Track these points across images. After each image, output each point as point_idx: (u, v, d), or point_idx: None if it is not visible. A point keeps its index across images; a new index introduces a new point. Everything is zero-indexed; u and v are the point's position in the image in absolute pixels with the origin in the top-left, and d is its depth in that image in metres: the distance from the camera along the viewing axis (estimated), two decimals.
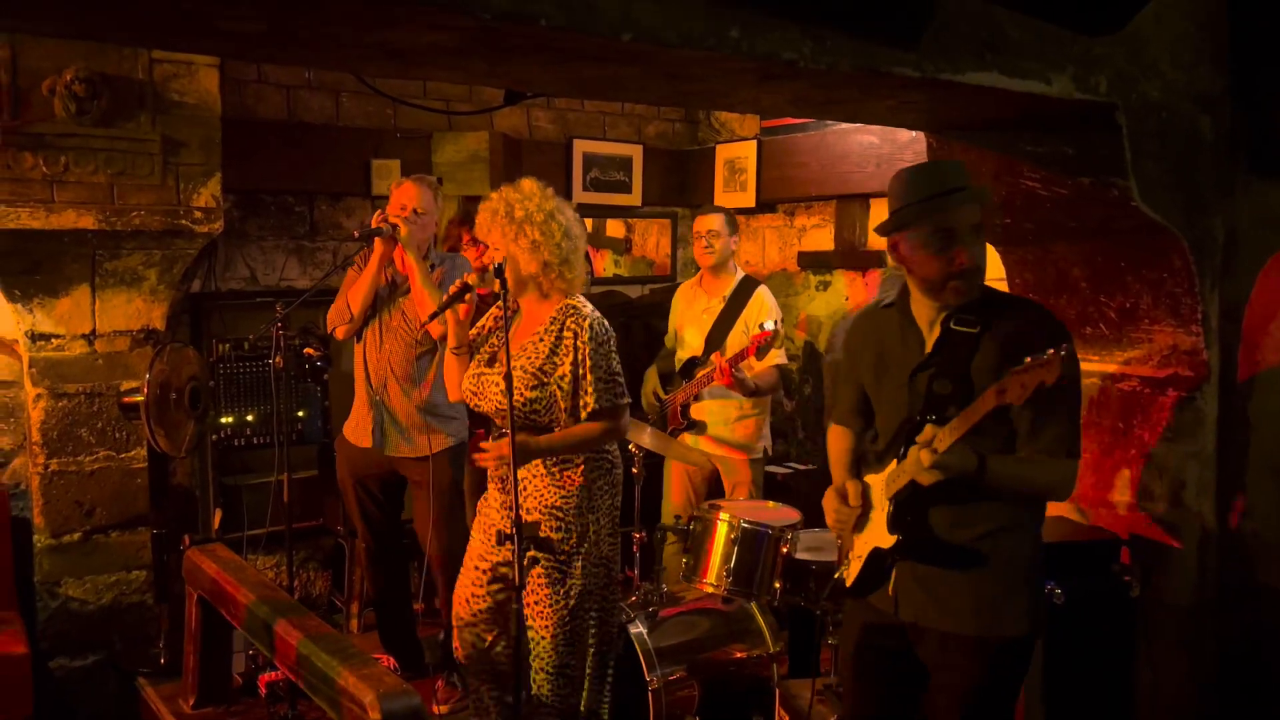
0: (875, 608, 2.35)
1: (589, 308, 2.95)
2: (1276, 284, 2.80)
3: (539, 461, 2.90)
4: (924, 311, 2.29)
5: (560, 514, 2.89)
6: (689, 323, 4.33)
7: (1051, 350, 1.94)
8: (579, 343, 2.84)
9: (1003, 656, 2.22)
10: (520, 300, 3.00)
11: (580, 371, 2.85)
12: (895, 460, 2.24)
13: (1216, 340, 2.89)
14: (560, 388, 2.85)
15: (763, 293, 4.24)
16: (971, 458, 2.12)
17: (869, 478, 2.36)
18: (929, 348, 2.26)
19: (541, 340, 2.89)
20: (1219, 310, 2.88)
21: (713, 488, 4.31)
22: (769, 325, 3.93)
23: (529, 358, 2.89)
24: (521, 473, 2.89)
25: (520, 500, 2.90)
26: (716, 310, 4.24)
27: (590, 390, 2.84)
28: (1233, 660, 2.93)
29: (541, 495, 2.91)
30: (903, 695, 2.37)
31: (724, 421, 4.19)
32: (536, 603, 2.89)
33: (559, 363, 2.85)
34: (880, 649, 2.36)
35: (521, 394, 2.83)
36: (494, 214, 2.87)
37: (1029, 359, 1.96)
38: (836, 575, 2.47)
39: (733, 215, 4.33)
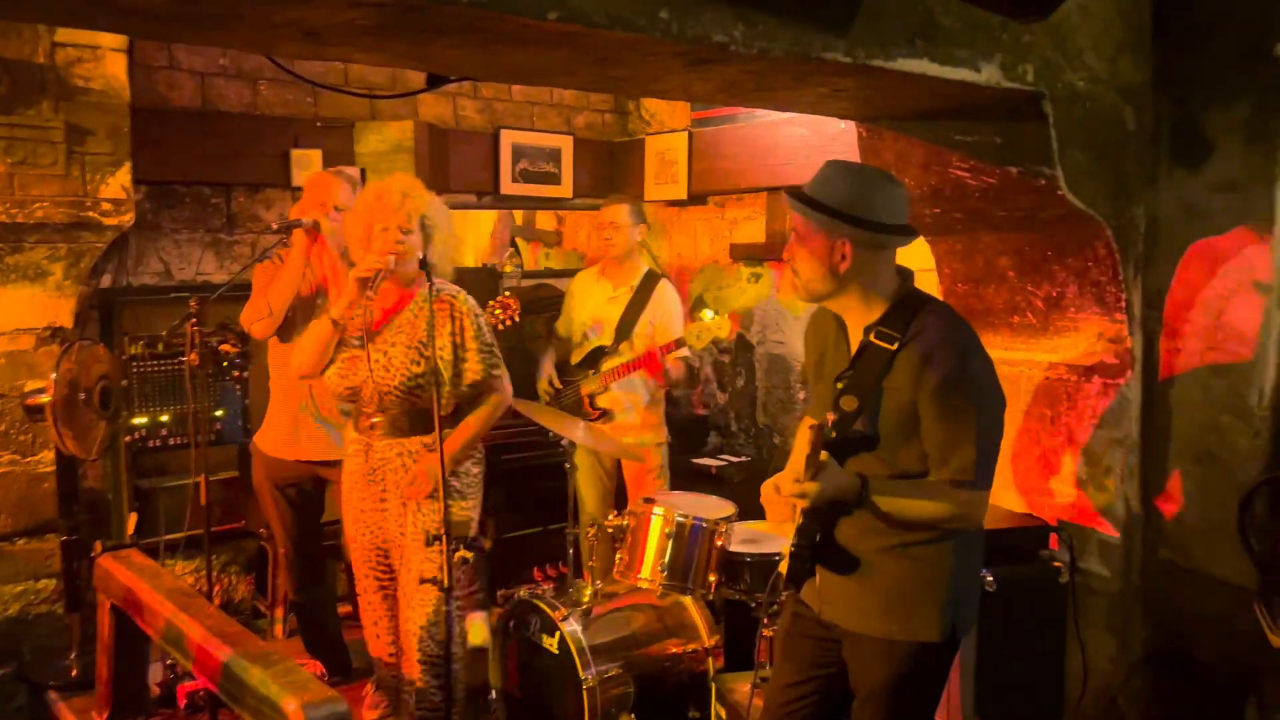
0: (804, 602, 2.38)
1: (452, 284, 3.06)
2: (1196, 272, 2.84)
3: (418, 446, 2.97)
4: (855, 318, 2.24)
5: (451, 499, 2.95)
6: (592, 312, 4.28)
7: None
8: (455, 314, 2.97)
9: (914, 661, 2.21)
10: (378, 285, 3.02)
11: (460, 341, 2.97)
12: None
13: (1140, 328, 2.93)
14: (442, 358, 2.94)
15: (665, 286, 4.24)
16: (852, 482, 2.10)
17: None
18: (851, 356, 2.23)
19: (416, 317, 2.97)
20: (1142, 298, 2.93)
21: (619, 479, 4.30)
22: (684, 350, 3.97)
23: (405, 335, 2.96)
24: (399, 461, 2.97)
25: (397, 490, 2.97)
26: (624, 300, 4.20)
27: (473, 360, 2.97)
28: (1158, 641, 2.98)
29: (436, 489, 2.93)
30: (827, 690, 2.36)
31: (633, 409, 4.17)
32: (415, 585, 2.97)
33: (436, 336, 2.93)
34: (807, 637, 2.39)
35: (406, 370, 2.91)
36: (404, 197, 2.90)
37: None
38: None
39: (639, 206, 4.29)
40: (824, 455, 2.09)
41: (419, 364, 2.91)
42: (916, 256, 3.74)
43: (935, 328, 2.14)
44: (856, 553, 2.21)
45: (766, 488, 2.32)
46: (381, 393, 2.94)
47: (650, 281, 4.23)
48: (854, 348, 2.22)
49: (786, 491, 2.11)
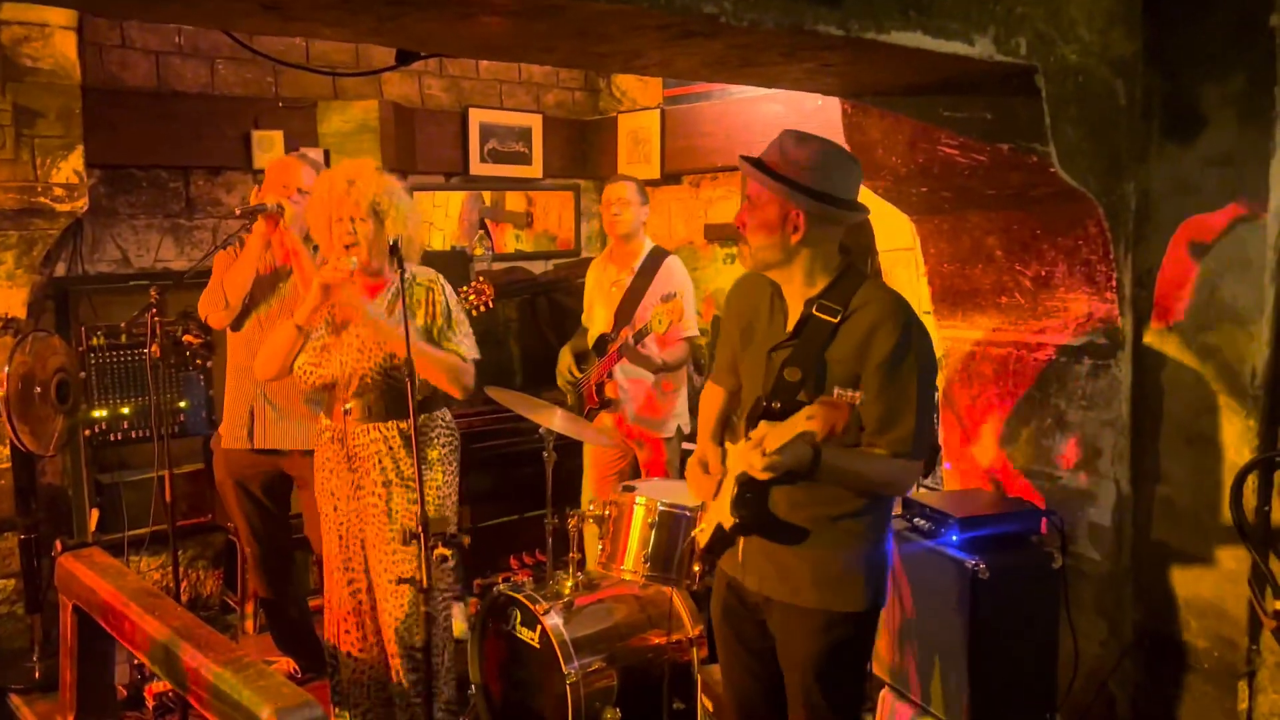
0: (729, 574, 2.40)
1: (425, 268, 2.99)
2: (1188, 250, 2.78)
3: (394, 430, 2.90)
4: (796, 290, 2.25)
5: (426, 483, 2.87)
6: (599, 298, 4.17)
7: (850, 392, 1.96)
8: (436, 297, 2.90)
9: (842, 629, 2.25)
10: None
11: (441, 323, 2.89)
12: (744, 437, 2.22)
13: (1130, 308, 2.87)
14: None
15: (672, 263, 4.12)
16: (806, 453, 2.10)
17: (729, 445, 2.31)
18: (790, 327, 2.25)
19: (390, 303, 2.88)
20: (1132, 278, 2.86)
21: (633, 468, 4.19)
22: (691, 331, 3.90)
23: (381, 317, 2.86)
24: (374, 448, 2.90)
25: (378, 475, 2.89)
26: (625, 283, 4.10)
27: (459, 340, 2.90)
28: (1149, 624, 2.95)
29: (400, 466, 2.90)
30: (770, 663, 2.39)
31: (637, 400, 4.05)
32: (389, 574, 2.90)
33: (415, 319, 2.85)
34: (738, 614, 2.41)
35: (382, 351, 2.83)
36: (349, 184, 2.79)
37: (837, 391, 1.97)
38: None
39: (643, 185, 4.18)
40: (776, 439, 2.08)
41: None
42: (900, 235, 3.67)
43: (878, 302, 2.17)
44: (789, 521, 2.24)
45: (692, 464, 2.38)
46: (360, 375, 2.86)
47: (654, 260, 4.11)
48: (792, 320, 2.25)
49: (752, 461, 2.08)
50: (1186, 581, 2.85)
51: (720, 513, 2.28)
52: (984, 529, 2.73)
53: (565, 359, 4.21)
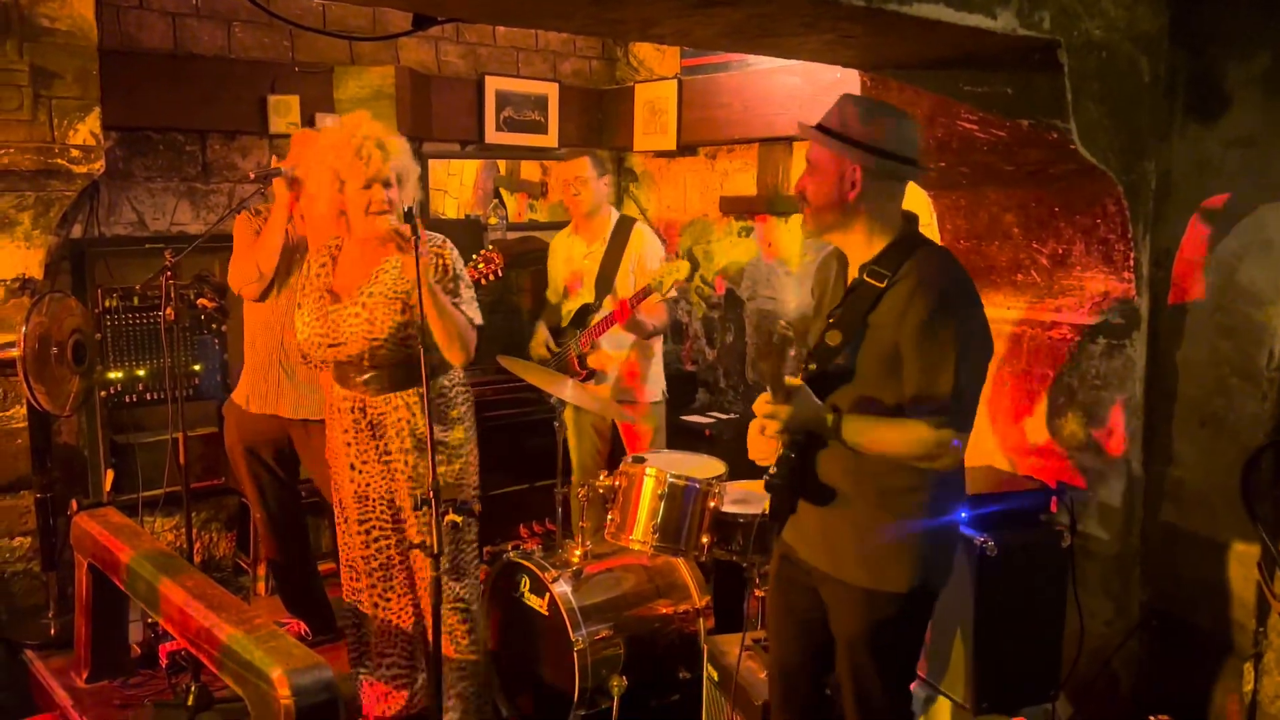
0: (787, 543, 2.40)
1: (433, 232, 2.95)
2: (1207, 231, 2.75)
3: (415, 396, 2.86)
4: (856, 256, 2.23)
5: (444, 446, 2.91)
6: (571, 271, 4.18)
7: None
8: (445, 261, 2.85)
9: (887, 611, 2.20)
10: (345, 238, 2.92)
11: (451, 287, 2.85)
12: None
13: (1147, 288, 2.85)
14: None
15: (642, 229, 4.14)
16: (824, 413, 2.10)
17: None
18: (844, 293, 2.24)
19: (399, 268, 2.83)
20: (1150, 257, 2.84)
21: (615, 437, 4.21)
22: (668, 293, 3.84)
23: (385, 284, 2.84)
24: (396, 415, 2.88)
25: (400, 443, 2.88)
26: (599, 254, 4.10)
27: (464, 305, 2.86)
28: (1156, 604, 2.94)
29: (419, 431, 2.88)
30: (814, 632, 2.37)
31: (622, 368, 4.08)
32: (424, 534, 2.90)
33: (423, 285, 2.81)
34: (793, 584, 2.40)
35: (393, 319, 2.80)
36: (381, 151, 2.76)
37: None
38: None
39: (600, 157, 4.18)
40: (797, 380, 2.10)
41: (405, 313, 2.81)
42: (920, 212, 3.64)
43: (927, 268, 2.12)
44: (837, 490, 2.21)
45: (753, 427, 2.28)
46: (374, 346, 2.83)
47: (623, 229, 4.11)
48: (849, 284, 2.23)
49: (757, 411, 2.11)
50: (1195, 563, 2.85)
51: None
52: (993, 506, 2.72)
53: (541, 334, 4.20)
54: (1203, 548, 2.82)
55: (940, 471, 2.16)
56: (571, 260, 4.19)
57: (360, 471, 2.97)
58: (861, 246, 2.19)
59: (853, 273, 2.22)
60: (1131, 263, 2.80)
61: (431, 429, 2.53)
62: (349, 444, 2.97)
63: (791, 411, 2.08)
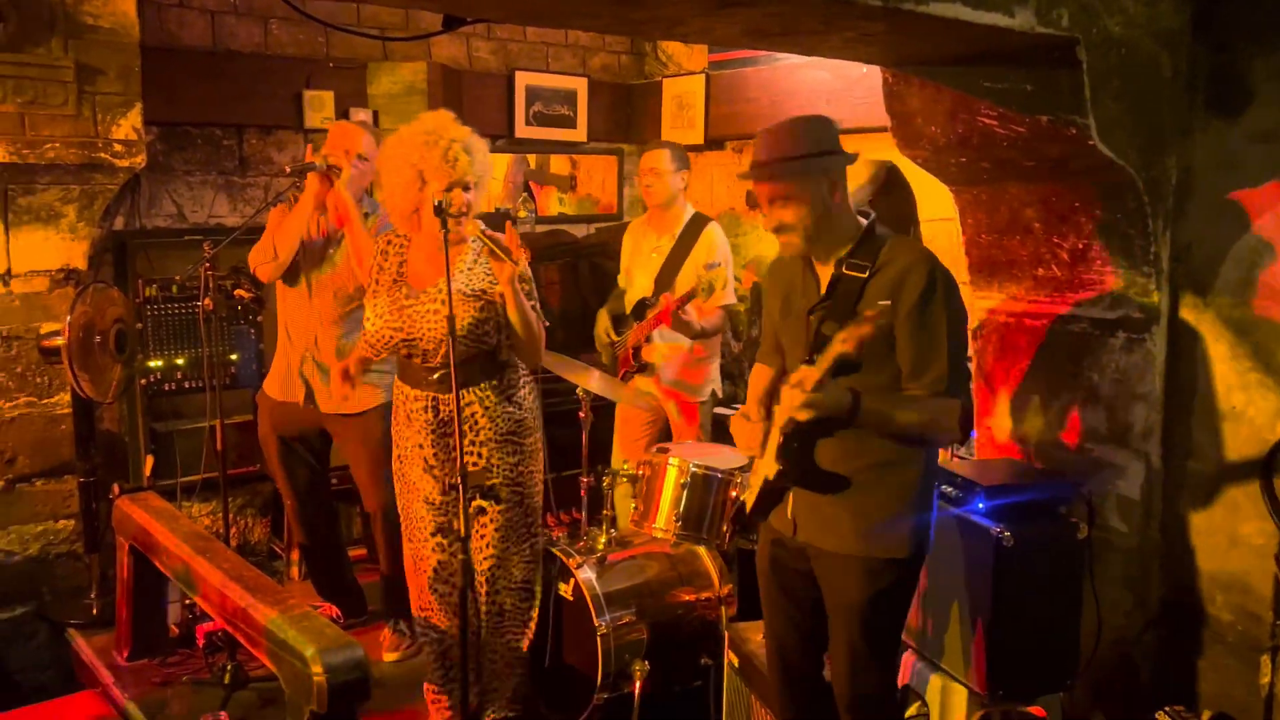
0: (776, 529, 2.50)
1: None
2: (1229, 225, 2.77)
3: (489, 390, 2.92)
4: (824, 255, 2.38)
5: (517, 437, 2.96)
6: (638, 262, 4.22)
7: (880, 304, 2.12)
8: (525, 259, 2.86)
9: (886, 576, 2.35)
10: (413, 231, 2.93)
11: (529, 289, 2.88)
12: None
13: (1167, 283, 2.87)
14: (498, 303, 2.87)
15: (713, 230, 4.13)
16: (845, 396, 2.22)
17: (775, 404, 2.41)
18: (823, 289, 2.37)
19: (472, 266, 2.89)
20: (1170, 252, 2.86)
21: (663, 431, 4.25)
22: (729, 299, 3.94)
23: (464, 280, 2.87)
24: (469, 410, 2.90)
25: (475, 436, 2.91)
26: (666, 249, 4.13)
27: (538, 306, 2.91)
28: (1175, 597, 2.97)
29: (497, 424, 2.92)
30: (810, 614, 2.50)
31: (673, 364, 4.11)
32: (501, 526, 2.96)
33: (493, 280, 2.85)
34: (785, 568, 2.52)
35: (471, 316, 2.83)
36: (467, 154, 2.80)
37: (867, 311, 2.11)
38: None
39: (681, 151, 4.18)
40: (813, 376, 2.18)
41: (483, 310, 2.84)
42: (938, 205, 3.67)
43: (904, 254, 2.30)
44: (834, 473, 2.34)
45: (736, 418, 2.48)
46: (450, 345, 2.81)
47: (695, 226, 4.13)
48: (824, 282, 2.37)
49: (796, 403, 2.19)
50: (1214, 556, 2.87)
51: (767, 465, 2.36)
52: (1010, 498, 2.75)
53: (603, 321, 4.27)
54: (1222, 541, 2.84)
55: (928, 449, 2.39)
56: (640, 251, 4.23)
57: (436, 471, 2.95)
58: (829, 247, 2.35)
59: (823, 269, 2.38)
60: (1151, 257, 2.82)
61: (459, 407, 2.57)
62: (420, 445, 2.95)
63: (822, 398, 2.19)
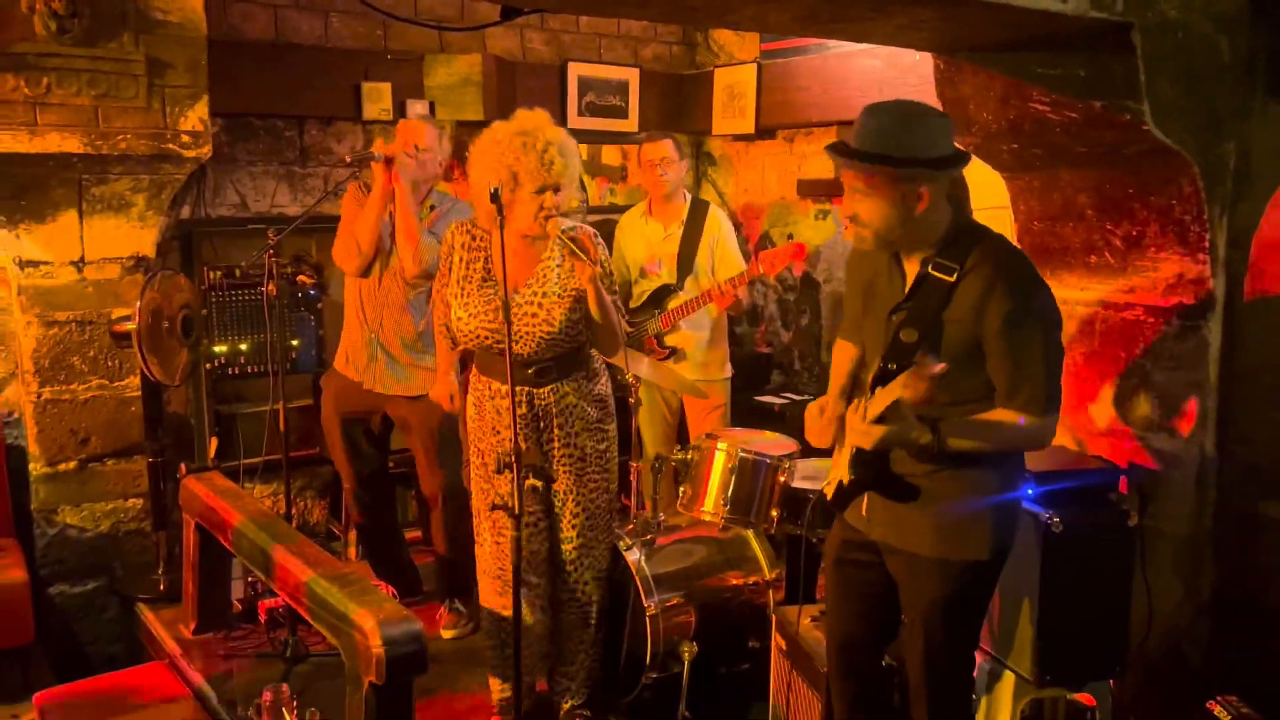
0: (851, 525, 2.44)
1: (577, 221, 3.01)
2: None
3: (580, 381, 2.99)
4: (912, 249, 2.24)
5: (603, 424, 3.04)
6: (647, 251, 4.28)
7: (932, 363, 1.96)
8: (601, 254, 2.89)
9: (964, 578, 2.28)
10: (494, 230, 2.90)
11: (608, 283, 2.92)
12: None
13: (1223, 269, 2.84)
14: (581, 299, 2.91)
15: (717, 211, 4.26)
16: (922, 433, 2.12)
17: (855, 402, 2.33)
18: (907, 287, 2.24)
19: (560, 264, 2.92)
20: (1226, 238, 2.83)
21: (682, 414, 4.35)
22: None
23: (555, 281, 2.91)
24: (565, 402, 2.97)
25: (571, 427, 2.97)
26: (677, 237, 4.21)
27: (617, 300, 2.96)
28: (1226, 587, 2.94)
29: (588, 414, 3.00)
30: (879, 607, 2.45)
31: (701, 346, 4.21)
32: (591, 513, 3.05)
33: (581, 280, 2.87)
34: (855, 562, 2.45)
35: (566, 316, 2.89)
36: (562, 158, 2.81)
37: (919, 357, 1.99)
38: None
39: (679, 141, 4.29)
40: (890, 396, 2.07)
41: (576, 311, 2.90)
42: (990, 193, 3.66)
43: (994, 259, 2.14)
44: (910, 477, 2.26)
45: (811, 409, 2.40)
46: (541, 337, 2.91)
47: (699, 212, 4.23)
48: (910, 279, 2.24)
49: (858, 431, 2.14)
50: (1268, 545, 2.85)
51: (842, 469, 2.33)
52: (1060, 484, 2.75)
53: None
54: (1275, 530, 2.82)
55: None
56: (650, 243, 4.29)
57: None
58: (915, 242, 2.21)
59: (909, 265, 2.24)
60: (1207, 244, 2.80)
61: (514, 391, 2.64)
62: (505, 438, 2.98)
63: (885, 434, 2.11)
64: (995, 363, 2.13)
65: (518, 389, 2.95)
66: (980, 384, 2.18)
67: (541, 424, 2.98)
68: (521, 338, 2.88)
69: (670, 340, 4.18)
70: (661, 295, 4.21)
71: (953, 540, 2.25)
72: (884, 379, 2.16)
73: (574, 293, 2.90)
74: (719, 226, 4.21)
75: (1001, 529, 2.29)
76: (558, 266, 2.92)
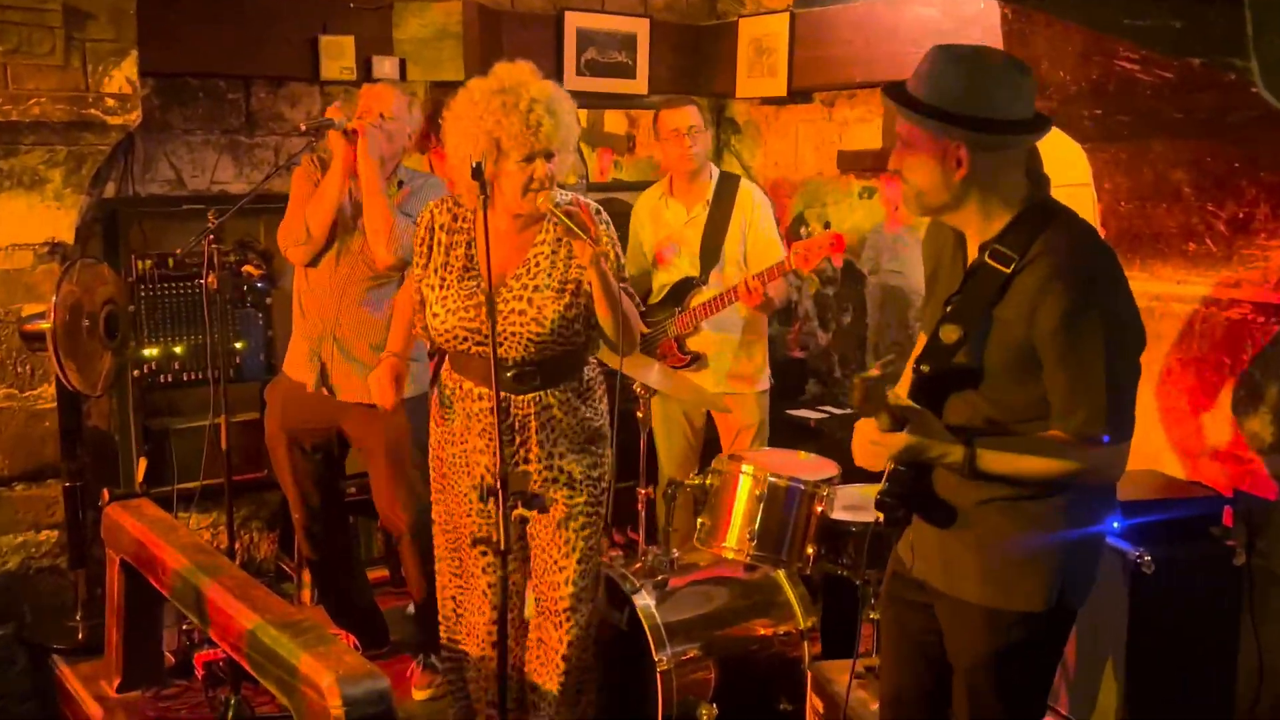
0: (900, 557, 2.44)
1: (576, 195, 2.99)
2: None
3: (568, 393, 2.97)
4: (974, 232, 2.22)
5: (596, 447, 3.04)
6: (667, 240, 4.26)
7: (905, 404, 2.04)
8: (604, 231, 2.86)
9: (1017, 633, 2.22)
10: (478, 211, 2.91)
11: (618, 268, 2.91)
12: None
13: None
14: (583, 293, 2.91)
15: (749, 187, 4.22)
16: (952, 449, 2.11)
17: None
18: (963, 276, 2.23)
19: (556, 251, 2.91)
20: None
21: (709, 432, 4.32)
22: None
23: (548, 270, 2.90)
24: (546, 415, 2.96)
25: (552, 447, 2.97)
26: (702, 220, 4.18)
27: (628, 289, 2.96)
28: None
29: (575, 432, 2.99)
30: (936, 659, 2.40)
31: (729, 352, 4.18)
32: (581, 552, 3.04)
33: (579, 263, 2.86)
34: (908, 603, 2.43)
35: (559, 314, 2.88)
36: (552, 118, 2.78)
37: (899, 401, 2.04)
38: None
39: (701, 105, 4.28)
40: (904, 400, 2.11)
41: (573, 307, 2.90)
42: (1068, 168, 3.67)
43: (1059, 250, 2.09)
44: (954, 504, 2.23)
45: (861, 427, 2.29)
46: (528, 337, 2.89)
47: (727, 189, 4.18)
48: (968, 266, 2.22)
49: (864, 439, 2.16)
50: None
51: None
52: (1151, 515, 2.77)
53: None
54: None
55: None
56: (669, 227, 4.27)
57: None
58: (978, 223, 2.18)
59: (972, 249, 2.22)
60: None
61: (499, 406, 2.64)
62: (482, 450, 2.99)
63: (903, 446, 2.12)
64: (1049, 373, 2.09)
65: (487, 393, 2.92)
66: (1037, 400, 2.14)
67: (518, 437, 2.96)
68: (506, 338, 2.88)
69: (692, 344, 4.17)
70: (682, 290, 4.19)
71: (1003, 586, 2.21)
72: (919, 384, 2.17)
73: (571, 284, 2.89)
74: (752, 206, 4.16)
75: (1070, 574, 2.22)
76: (552, 253, 2.92)
